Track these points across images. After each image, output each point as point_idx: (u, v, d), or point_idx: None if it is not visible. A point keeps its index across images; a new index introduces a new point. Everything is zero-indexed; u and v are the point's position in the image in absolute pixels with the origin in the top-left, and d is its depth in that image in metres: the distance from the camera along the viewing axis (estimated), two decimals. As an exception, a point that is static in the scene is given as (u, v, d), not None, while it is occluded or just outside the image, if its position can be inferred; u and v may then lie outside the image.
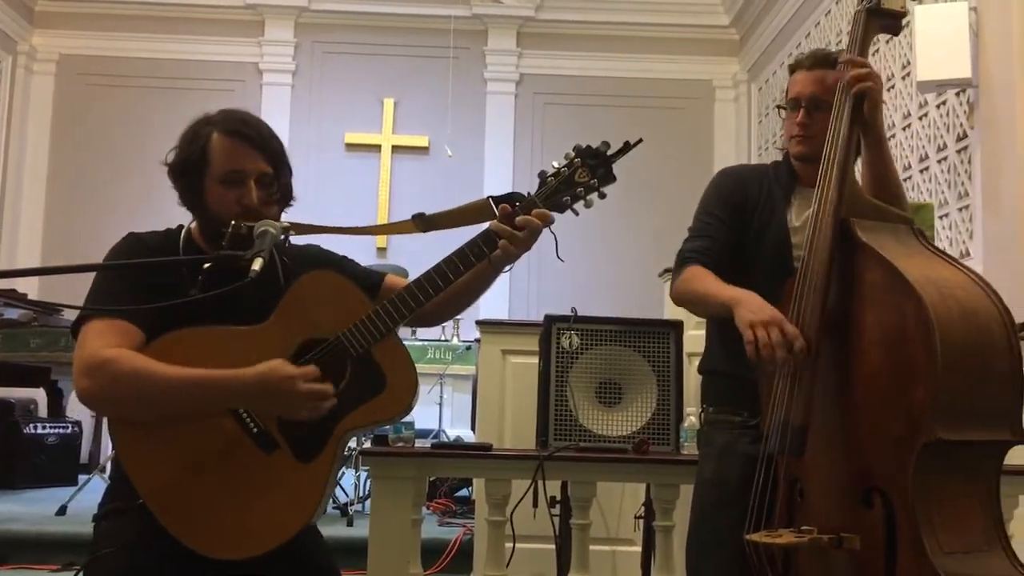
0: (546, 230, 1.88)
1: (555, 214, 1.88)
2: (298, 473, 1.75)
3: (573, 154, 1.89)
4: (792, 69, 2.21)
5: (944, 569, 1.50)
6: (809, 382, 1.72)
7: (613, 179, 1.90)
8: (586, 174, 1.88)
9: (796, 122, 2.15)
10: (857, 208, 1.83)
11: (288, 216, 2.02)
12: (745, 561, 1.86)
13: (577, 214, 1.90)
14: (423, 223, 1.92)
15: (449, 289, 1.89)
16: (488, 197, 1.89)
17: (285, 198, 1.93)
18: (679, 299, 2.20)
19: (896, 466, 1.58)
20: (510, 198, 1.88)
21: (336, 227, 1.98)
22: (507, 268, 1.91)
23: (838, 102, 1.91)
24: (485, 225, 1.89)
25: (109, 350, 1.71)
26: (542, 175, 1.90)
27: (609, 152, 1.90)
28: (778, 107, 2.24)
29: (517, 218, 1.84)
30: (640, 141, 1.90)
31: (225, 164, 1.83)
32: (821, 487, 1.73)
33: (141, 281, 1.81)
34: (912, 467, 1.55)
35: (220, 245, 1.77)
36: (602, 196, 1.91)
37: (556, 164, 1.90)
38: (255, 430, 1.75)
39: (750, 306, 1.85)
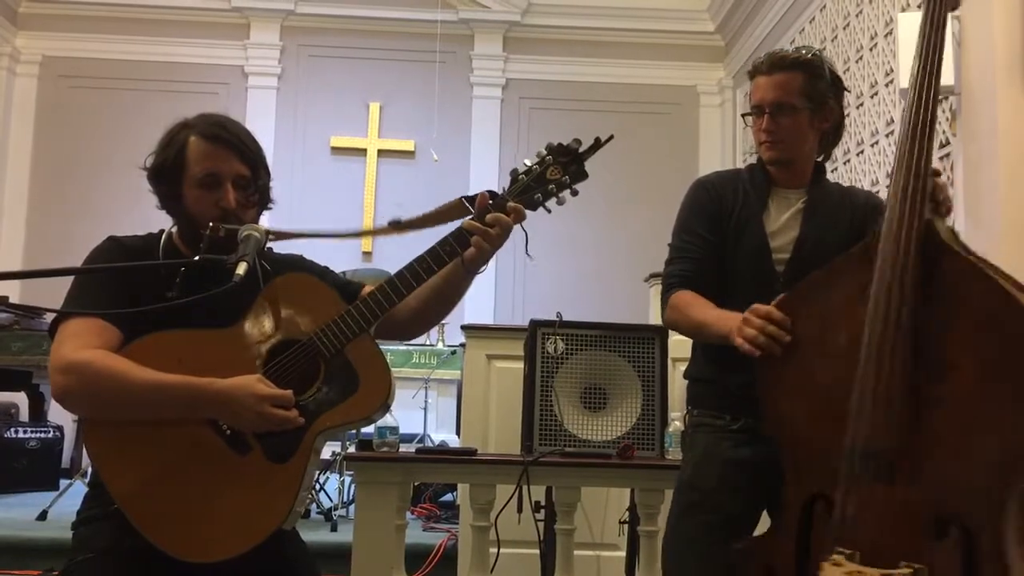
0: (518, 228, 1.89)
1: (527, 212, 1.89)
2: (271, 475, 1.75)
3: (545, 152, 1.90)
4: (752, 74, 2.19)
5: None
6: (895, 398, 1.52)
7: (585, 176, 1.91)
8: (558, 171, 1.89)
9: (762, 129, 2.15)
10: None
11: (273, 218, 2.02)
12: (719, 562, 1.87)
13: (549, 211, 1.91)
14: (399, 228, 1.92)
15: (423, 294, 1.89)
16: (461, 198, 1.89)
17: (263, 201, 1.93)
18: (670, 327, 2.23)
19: (987, 499, 1.45)
20: (484, 194, 1.89)
21: (313, 232, 1.98)
22: (481, 269, 1.90)
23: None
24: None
25: (86, 351, 1.71)
26: (514, 173, 1.91)
27: (581, 149, 1.90)
28: (743, 115, 2.23)
29: (488, 215, 1.84)
30: (611, 138, 1.91)
31: (202, 167, 1.83)
32: (872, 510, 1.53)
33: (121, 283, 1.81)
34: (1010, 503, 1.44)
35: (199, 248, 1.77)
36: (574, 193, 1.92)
37: (528, 162, 1.91)
38: (228, 432, 1.75)
39: (735, 324, 1.84)
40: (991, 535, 1.44)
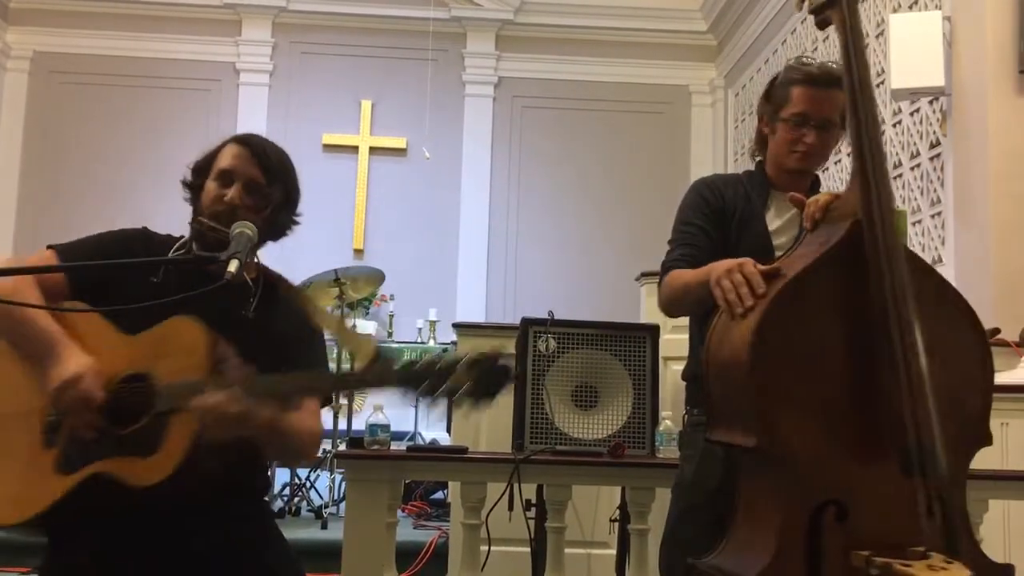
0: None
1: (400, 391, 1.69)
2: (45, 479, 1.72)
3: (474, 355, 1.65)
4: (799, 82, 2.13)
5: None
6: (927, 393, 1.57)
7: (489, 400, 1.65)
8: (466, 378, 1.63)
9: (803, 140, 2.13)
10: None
11: None
12: None
13: (432, 408, 1.74)
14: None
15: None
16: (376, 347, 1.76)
17: (276, 220, 1.94)
18: (666, 308, 2.18)
19: (958, 471, 1.62)
20: (382, 353, 1.76)
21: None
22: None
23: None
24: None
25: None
26: (426, 355, 1.68)
27: (506, 374, 1.65)
28: (782, 120, 2.15)
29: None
30: (513, 374, 1.67)
31: (222, 163, 1.91)
32: (900, 503, 1.56)
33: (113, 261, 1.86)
34: (967, 465, 1.65)
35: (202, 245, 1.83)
36: (473, 406, 1.65)
37: (450, 352, 1.69)
38: (51, 418, 1.75)
39: (716, 270, 1.77)
40: (960, 499, 1.61)
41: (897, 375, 1.55)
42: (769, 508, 1.60)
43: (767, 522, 1.59)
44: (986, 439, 1.67)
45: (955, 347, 1.66)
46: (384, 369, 1.67)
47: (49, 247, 1.88)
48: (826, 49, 6.36)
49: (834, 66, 2.15)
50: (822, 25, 1.81)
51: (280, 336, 1.89)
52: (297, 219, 2.00)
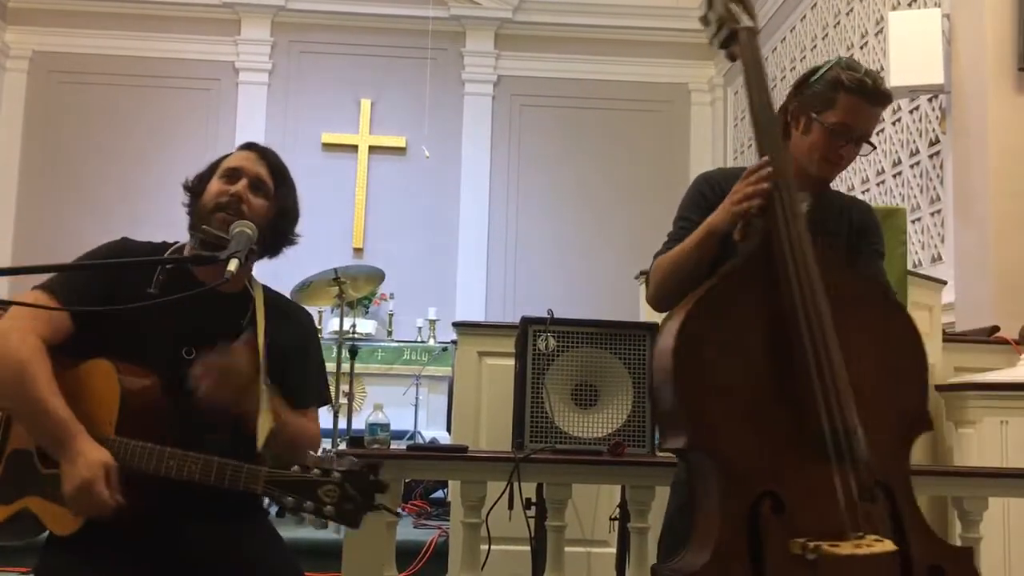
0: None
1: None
2: None
3: (343, 471, 1.62)
4: (849, 89, 2.03)
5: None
6: (844, 384, 1.62)
7: (354, 524, 1.58)
8: (334, 493, 1.58)
9: (839, 151, 2.07)
10: None
11: None
12: None
13: (282, 517, 1.69)
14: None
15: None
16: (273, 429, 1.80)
17: (276, 228, 1.95)
18: (655, 294, 2.15)
19: (896, 457, 1.69)
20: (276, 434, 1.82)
21: None
22: None
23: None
24: None
25: (28, 337, 1.71)
26: (304, 469, 1.64)
27: (379, 488, 1.63)
28: (820, 123, 2.06)
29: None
30: (384, 488, 1.65)
31: (229, 164, 1.95)
32: (812, 492, 1.61)
33: (104, 280, 1.83)
34: (907, 452, 1.71)
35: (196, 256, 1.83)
36: (323, 525, 1.57)
37: (320, 471, 1.61)
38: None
39: (719, 211, 1.89)
40: (903, 483, 1.67)
41: (809, 372, 1.60)
42: (713, 507, 1.65)
43: (712, 521, 1.64)
44: (925, 424, 1.73)
45: (882, 340, 1.71)
46: (269, 459, 1.67)
47: (35, 288, 1.82)
48: (826, 47, 6.36)
49: (881, 82, 2.11)
50: (731, 58, 1.89)
51: (276, 348, 1.89)
52: (295, 238, 2.01)
